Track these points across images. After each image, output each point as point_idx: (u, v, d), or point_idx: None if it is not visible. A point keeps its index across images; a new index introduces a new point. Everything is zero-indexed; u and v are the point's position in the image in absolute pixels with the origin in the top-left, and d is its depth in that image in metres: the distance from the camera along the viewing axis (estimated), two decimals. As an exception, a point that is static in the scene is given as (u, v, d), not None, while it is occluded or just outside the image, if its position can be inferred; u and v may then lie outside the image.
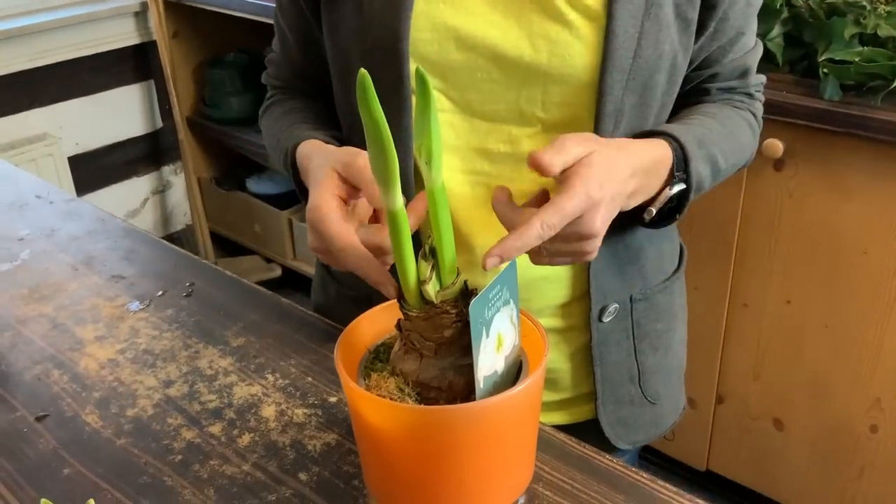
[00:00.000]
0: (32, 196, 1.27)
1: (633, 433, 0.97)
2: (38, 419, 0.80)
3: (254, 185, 2.88)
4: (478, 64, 0.78)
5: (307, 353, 0.88)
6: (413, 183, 0.83)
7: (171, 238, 3.02)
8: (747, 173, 1.60)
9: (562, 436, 0.75)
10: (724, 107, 0.89)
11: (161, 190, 2.96)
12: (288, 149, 0.84)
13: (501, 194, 0.70)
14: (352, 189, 0.72)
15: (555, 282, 0.87)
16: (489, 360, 0.60)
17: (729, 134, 0.85)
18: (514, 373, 0.64)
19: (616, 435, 0.95)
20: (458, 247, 0.64)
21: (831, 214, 1.55)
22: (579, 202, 0.67)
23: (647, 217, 0.78)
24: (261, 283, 3.05)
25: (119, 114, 2.74)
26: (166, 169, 2.94)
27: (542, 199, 0.71)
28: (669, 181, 0.78)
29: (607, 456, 0.72)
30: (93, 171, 2.72)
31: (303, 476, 0.72)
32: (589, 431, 0.95)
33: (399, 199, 0.57)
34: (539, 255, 0.71)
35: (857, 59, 1.43)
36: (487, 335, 0.59)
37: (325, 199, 0.70)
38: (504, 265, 0.62)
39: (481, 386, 0.60)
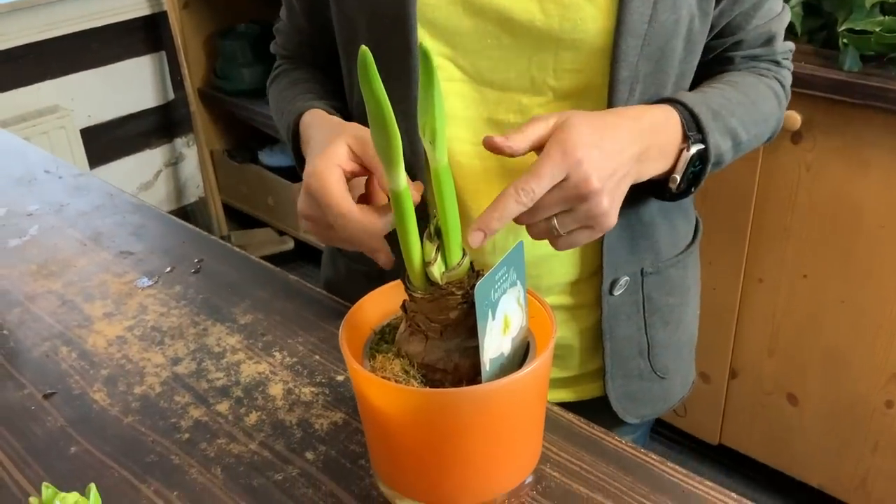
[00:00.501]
0: (41, 171, 1.26)
1: (641, 407, 0.96)
2: (46, 396, 0.80)
3: (266, 157, 2.87)
4: (487, 30, 0.76)
5: (315, 331, 0.88)
6: (422, 156, 0.82)
7: (184, 211, 3.02)
8: (763, 146, 1.57)
9: (570, 416, 0.75)
10: (748, 75, 0.86)
11: (174, 162, 2.96)
12: (290, 120, 0.83)
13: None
14: (358, 167, 0.71)
15: (565, 259, 0.86)
16: (495, 342, 0.59)
17: (751, 103, 0.83)
18: (522, 354, 0.63)
19: (624, 409, 0.95)
20: (465, 223, 0.63)
21: (849, 188, 1.52)
22: (554, 162, 0.65)
23: (672, 186, 0.76)
24: (273, 256, 3.04)
25: (131, 85, 2.73)
26: (179, 141, 2.94)
27: None
28: (684, 144, 0.76)
29: (616, 437, 0.72)
30: (105, 143, 2.72)
31: (309, 455, 0.72)
32: (597, 407, 0.94)
33: (403, 178, 0.56)
34: (555, 237, 0.69)
35: (877, 29, 1.40)
36: (493, 317, 0.58)
37: (328, 165, 0.69)
38: (495, 248, 0.61)
39: (487, 368, 0.59)
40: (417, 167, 0.81)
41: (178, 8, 2.64)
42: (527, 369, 0.58)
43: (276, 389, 0.80)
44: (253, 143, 2.93)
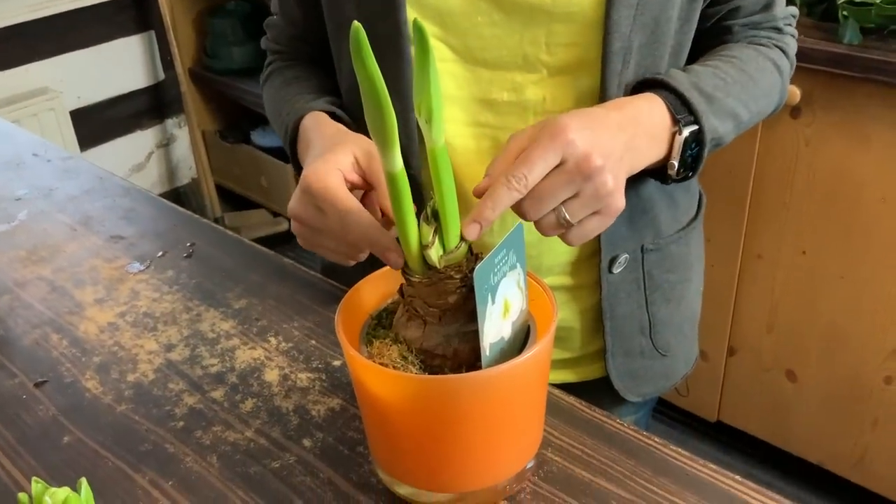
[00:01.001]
0: (29, 154, 1.24)
1: (643, 385, 0.95)
2: (37, 385, 0.79)
3: (259, 137, 2.84)
4: (477, 7, 0.75)
5: (310, 315, 0.86)
6: (416, 138, 0.80)
7: (177, 192, 3.00)
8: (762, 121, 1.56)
9: (571, 399, 0.73)
10: (746, 48, 0.84)
11: (165, 143, 2.93)
12: (289, 125, 0.81)
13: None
14: (360, 180, 0.69)
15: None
16: (495, 326, 0.58)
17: (749, 79, 0.81)
18: (522, 338, 0.62)
19: (625, 387, 0.93)
20: (461, 205, 0.61)
21: (849, 162, 1.51)
22: (544, 147, 0.62)
23: (671, 171, 0.74)
24: (267, 238, 3.03)
25: (120, 66, 2.70)
26: (170, 122, 2.91)
27: None
28: (675, 128, 0.74)
29: (618, 420, 0.70)
30: (96, 124, 2.69)
31: (307, 442, 0.70)
32: (599, 387, 0.93)
33: (399, 159, 0.54)
34: (565, 229, 0.65)
35: (878, 1, 1.38)
36: (493, 301, 0.57)
37: (330, 168, 0.67)
38: (492, 230, 0.59)
39: (487, 353, 0.57)
40: (411, 151, 0.80)
41: (166, -14, 2.61)
42: (527, 354, 0.57)
43: (271, 375, 0.78)
44: (245, 124, 2.90)
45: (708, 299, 1.03)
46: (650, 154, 0.73)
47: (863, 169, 1.49)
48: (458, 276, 0.58)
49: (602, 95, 0.76)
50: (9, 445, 0.72)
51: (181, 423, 0.73)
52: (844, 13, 1.41)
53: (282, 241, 2.78)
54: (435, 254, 0.58)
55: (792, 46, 0.88)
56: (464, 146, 0.80)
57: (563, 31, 0.75)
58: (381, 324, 0.64)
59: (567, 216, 0.63)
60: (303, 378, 0.78)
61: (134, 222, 1.06)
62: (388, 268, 0.66)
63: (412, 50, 0.77)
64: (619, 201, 0.65)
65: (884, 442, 1.69)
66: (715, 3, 0.82)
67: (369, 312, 0.66)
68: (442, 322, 0.60)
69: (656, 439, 0.68)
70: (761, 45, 0.85)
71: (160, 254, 0.99)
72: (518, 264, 0.59)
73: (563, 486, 0.64)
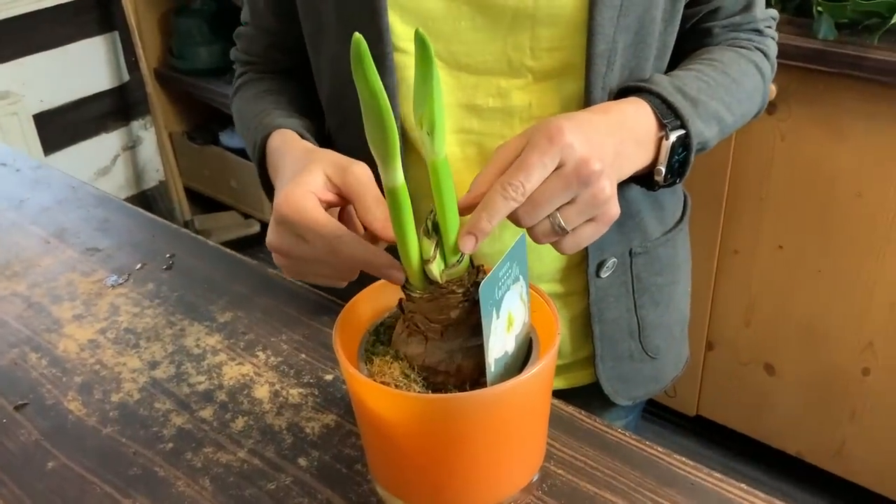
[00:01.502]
0: (-3, 164, 1.20)
1: (633, 389, 0.95)
2: (17, 408, 0.76)
3: (228, 138, 2.80)
4: (460, 12, 0.73)
5: (299, 328, 0.84)
6: (406, 153, 0.78)
7: (144, 196, 2.94)
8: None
9: (570, 409, 0.72)
10: (727, 51, 0.83)
11: (131, 146, 2.87)
12: (256, 141, 0.78)
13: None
14: (335, 197, 0.64)
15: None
16: (500, 340, 0.56)
17: (732, 82, 0.80)
18: (525, 351, 0.61)
19: (615, 392, 0.93)
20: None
21: (825, 157, 1.52)
22: (542, 150, 0.60)
23: (658, 178, 0.73)
24: (239, 240, 2.98)
25: (84, 68, 2.64)
26: (136, 124, 2.85)
27: None
28: (662, 132, 0.73)
29: (619, 429, 0.70)
30: (60, 128, 2.63)
31: (302, 461, 0.68)
32: (588, 392, 0.92)
33: (400, 174, 0.53)
34: (560, 236, 0.63)
35: (852, -3, 1.39)
36: (498, 316, 0.55)
37: (303, 192, 0.63)
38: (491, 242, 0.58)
39: (493, 369, 0.56)
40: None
41: (130, -14, 2.55)
42: (535, 369, 0.56)
43: (262, 392, 0.76)
44: (213, 125, 2.86)
45: (685, 294, 1.03)
46: (637, 160, 0.71)
47: (838, 164, 1.50)
48: (460, 291, 0.57)
49: (586, 99, 0.75)
50: (-10, 473, 0.69)
51: (170, 445, 0.71)
52: (819, 8, 1.41)
53: (254, 244, 2.74)
54: (437, 268, 0.56)
55: (773, 49, 0.88)
56: (449, 153, 0.78)
57: (548, 35, 0.73)
58: (379, 339, 0.63)
59: (562, 223, 0.61)
60: (294, 394, 0.76)
61: (110, 233, 1.03)
62: (381, 281, 0.64)
63: (395, 56, 0.76)
64: (615, 208, 0.63)
65: (861, 432, 1.71)
66: (695, 3, 0.81)
67: (366, 328, 0.64)
68: (444, 338, 0.58)
69: (660, 448, 0.67)
70: (742, 47, 0.84)
71: (139, 266, 0.96)
72: (521, 276, 0.58)
73: (569, 500, 0.63)
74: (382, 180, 0.53)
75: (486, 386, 0.57)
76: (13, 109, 2.41)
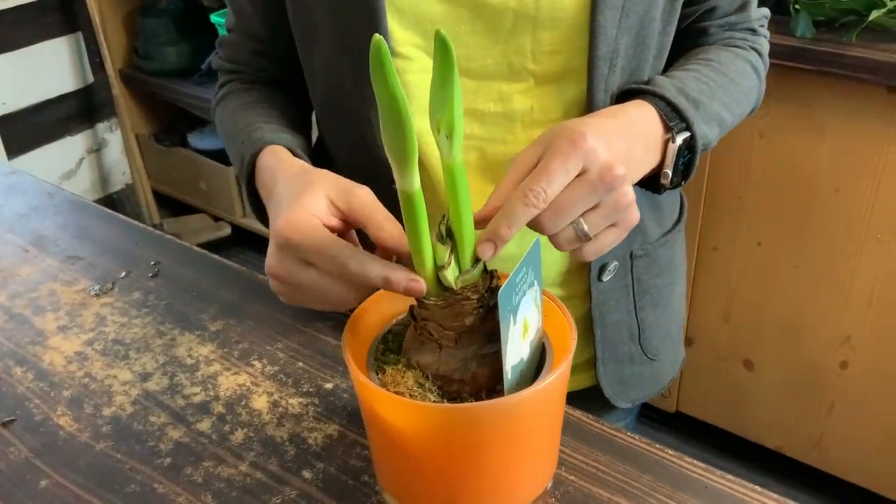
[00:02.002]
0: (-32, 170, 1.16)
1: (633, 391, 0.94)
2: (5, 425, 0.73)
3: (196, 140, 2.75)
4: (460, 15, 0.72)
5: (294, 335, 0.82)
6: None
7: (111, 199, 2.88)
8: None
9: (578, 413, 0.71)
10: (723, 51, 0.83)
11: (97, 149, 2.81)
12: (245, 156, 0.74)
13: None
14: (339, 223, 0.61)
15: (555, 249, 0.82)
16: (516, 347, 0.55)
17: (730, 82, 0.80)
18: (538, 357, 0.60)
19: (616, 394, 0.92)
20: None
21: (803, 154, 1.53)
22: (565, 155, 0.58)
23: (664, 181, 0.72)
24: (210, 243, 2.92)
25: (47, 69, 2.57)
26: (101, 126, 2.79)
27: None
28: (668, 135, 0.72)
29: (629, 433, 0.69)
30: (23, 131, 2.56)
31: (307, 474, 0.67)
32: (588, 395, 0.92)
33: (416, 179, 0.51)
34: (583, 243, 0.61)
35: (830, -6, 1.40)
36: (515, 322, 0.54)
37: (306, 216, 0.59)
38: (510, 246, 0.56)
39: (509, 377, 0.55)
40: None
41: (93, -15, 2.50)
42: (552, 376, 0.55)
43: (260, 402, 0.74)
44: (181, 126, 2.81)
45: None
46: (646, 164, 0.70)
47: (816, 160, 1.52)
48: (474, 297, 0.56)
49: (589, 102, 0.74)
50: (-20, 494, 0.66)
51: (168, 460, 0.69)
52: (796, 6, 1.42)
53: (226, 246, 2.70)
54: (451, 274, 0.55)
55: (766, 48, 0.88)
56: None
57: (549, 39, 0.72)
58: (388, 347, 0.61)
59: (586, 229, 0.59)
60: (294, 404, 0.74)
61: (90, 240, 1.00)
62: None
63: (395, 61, 0.74)
64: (636, 213, 0.62)
65: (840, 425, 1.73)
66: (692, 2, 0.81)
67: (373, 336, 0.62)
68: (458, 345, 0.57)
69: (671, 452, 0.67)
70: (738, 46, 0.84)
71: (123, 274, 0.93)
72: (535, 281, 0.57)
73: (583, 507, 0.62)
74: (398, 185, 0.52)
75: (501, 394, 0.56)
76: (-26, 112, 2.35)
